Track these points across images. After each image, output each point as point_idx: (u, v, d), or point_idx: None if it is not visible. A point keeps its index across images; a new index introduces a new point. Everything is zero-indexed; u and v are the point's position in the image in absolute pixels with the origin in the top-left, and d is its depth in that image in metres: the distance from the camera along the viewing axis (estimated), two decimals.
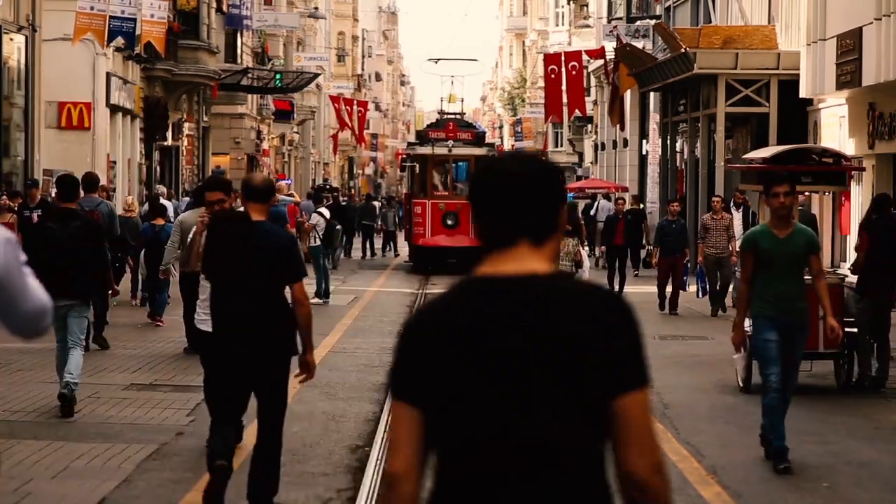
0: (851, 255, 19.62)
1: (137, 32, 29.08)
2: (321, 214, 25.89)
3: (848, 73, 23.62)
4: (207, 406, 9.95)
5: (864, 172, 24.83)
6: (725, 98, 29.60)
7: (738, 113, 30.32)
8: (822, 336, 12.87)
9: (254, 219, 8.24)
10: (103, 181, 23.22)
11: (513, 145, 78.77)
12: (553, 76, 40.73)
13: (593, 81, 51.54)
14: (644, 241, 30.84)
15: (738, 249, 15.86)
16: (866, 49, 22.62)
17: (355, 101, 62.80)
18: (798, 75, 27.28)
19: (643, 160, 43.25)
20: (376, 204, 49.57)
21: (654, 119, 40.55)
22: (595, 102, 52.37)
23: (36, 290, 3.87)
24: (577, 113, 43.60)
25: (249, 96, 51.58)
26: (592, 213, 37.80)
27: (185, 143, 43.75)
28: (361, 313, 22.51)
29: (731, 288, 21.41)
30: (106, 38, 27.77)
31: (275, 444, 8.27)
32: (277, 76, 48.42)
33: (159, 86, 38.46)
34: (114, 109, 32.75)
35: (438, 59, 62.15)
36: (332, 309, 22.70)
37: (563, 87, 40.69)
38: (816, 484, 9.63)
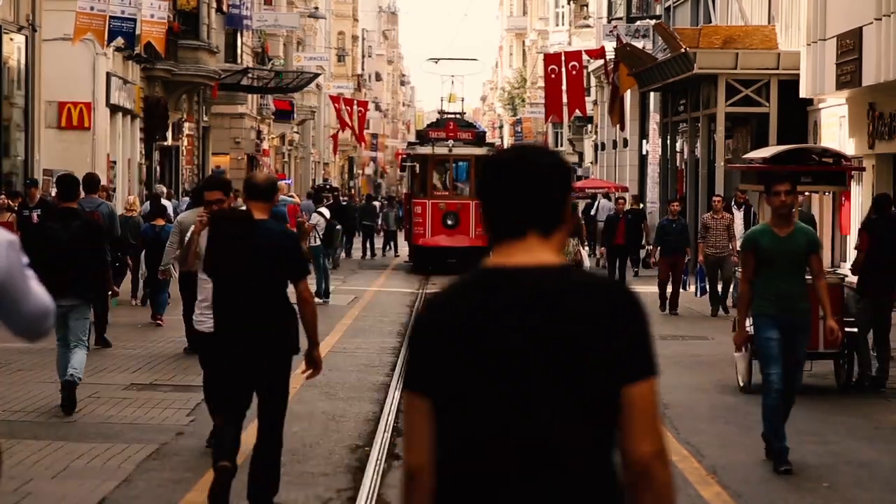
0: (851, 255, 19.62)
1: (137, 32, 29.07)
2: (321, 214, 25.90)
3: (848, 73, 23.62)
4: (207, 406, 9.96)
5: (864, 172, 24.83)
6: (725, 98, 29.60)
7: (738, 113, 30.31)
8: (822, 336, 12.87)
9: (256, 217, 8.23)
10: (103, 181, 23.21)
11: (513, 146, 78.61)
12: (553, 76, 40.73)
13: (593, 81, 51.54)
14: (644, 241, 30.84)
15: (738, 249, 15.87)
16: (866, 49, 22.62)
17: (355, 101, 62.78)
18: (798, 75, 27.28)
19: (643, 160, 43.25)
20: (376, 204, 49.57)
21: (654, 119, 40.55)
22: (595, 102, 52.35)
23: (38, 292, 3.89)
24: (577, 113, 43.57)
25: (249, 96, 51.58)
26: (593, 213, 37.80)
27: (185, 143, 43.74)
28: (361, 313, 22.51)
29: (731, 288, 21.41)
30: (106, 38, 27.76)
31: (275, 444, 8.26)
32: (279, 75, 48.45)
33: (159, 86, 38.46)
34: (114, 109, 32.75)
35: (438, 59, 62.22)
36: (332, 309, 22.69)
37: (563, 87, 40.68)
38: (816, 484, 9.63)
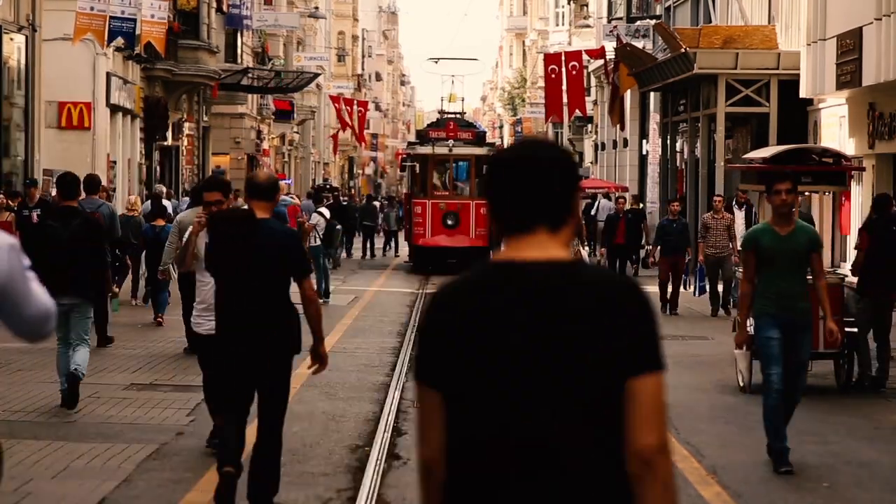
0: (851, 255, 19.62)
1: (137, 32, 29.07)
2: (321, 214, 25.90)
3: (848, 73, 23.62)
4: (208, 406, 9.97)
5: (864, 172, 24.82)
6: (725, 98, 29.58)
7: (738, 113, 30.30)
8: (822, 337, 12.87)
9: (258, 216, 8.23)
10: (103, 181, 23.20)
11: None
12: (553, 76, 40.71)
13: (593, 81, 51.52)
14: (643, 241, 30.83)
15: (739, 248, 15.86)
16: (866, 49, 22.61)
17: (355, 101, 62.78)
18: (798, 75, 27.27)
19: (643, 160, 43.25)
20: (377, 204, 49.58)
21: (654, 119, 40.54)
22: (595, 102, 52.34)
23: (40, 295, 3.91)
24: (578, 113, 43.55)
25: (249, 96, 51.58)
26: (593, 212, 37.78)
27: (185, 143, 43.74)
28: (361, 313, 22.51)
29: (732, 288, 21.40)
30: (106, 38, 27.76)
31: (275, 444, 8.26)
32: (279, 75, 48.44)
33: (159, 86, 38.46)
34: (114, 109, 32.75)
35: (438, 59, 62.20)
36: (332, 309, 22.68)
37: (564, 87, 40.66)
38: (816, 484, 9.63)
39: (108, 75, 31.77)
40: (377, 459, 9.99)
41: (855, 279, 14.65)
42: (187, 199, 28.19)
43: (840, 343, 11.92)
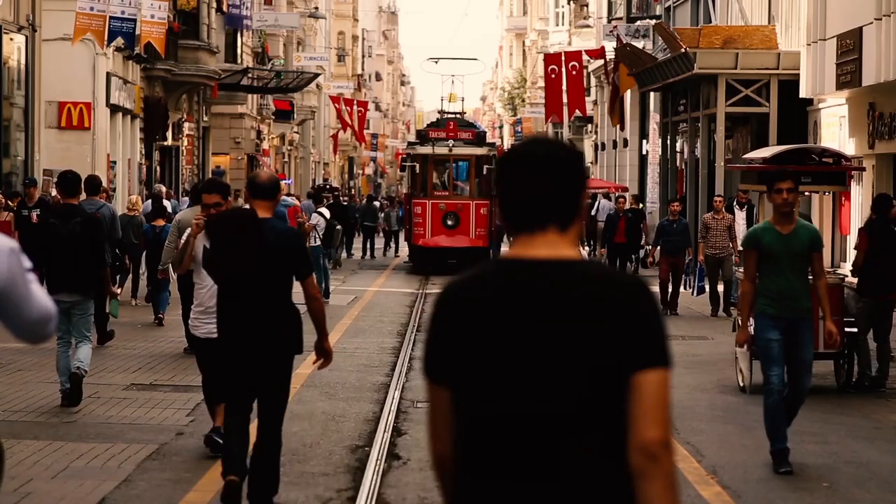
0: (851, 255, 19.61)
1: (137, 32, 29.06)
2: (321, 214, 25.89)
3: (848, 73, 23.62)
4: (207, 407, 9.97)
5: (864, 172, 24.82)
6: (725, 98, 29.58)
7: (738, 113, 30.30)
8: (822, 336, 12.86)
9: (260, 216, 8.23)
10: (103, 181, 23.20)
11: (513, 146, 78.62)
12: (553, 76, 40.71)
13: (593, 81, 51.52)
14: (643, 241, 30.83)
15: (740, 249, 15.86)
16: (866, 49, 22.61)
17: (355, 101, 62.78)
18: (798, 75, 27.28)
19: (643, 160, 43.23)
20: (377, 204, 49.57)
21: (654, 119, 40.53)
22: (595, 102, 52.34)
23: (40, 297, 3.92)
24: (577, 113, 43.55)
25: (249, 96, 51.56)
26: (593, 212, 37.77)
27: (185, 142, 43.72)
28: (361, 313, 22.51)
29: (732, 288, 21.40)
30: (106, 38, 27.75)
31: (275, 444, 8.26)
32: (279, 75, 48.42)
33: (159, 86, 38.45)
34: (114, 109, 32.74)
35: (438, 59, 62.13)
36: (332, 309, 22.65)
37: (564, 87, 40.67)
38: (816, 484, 9.63)
39: (108, 75, 31.77)
40: (377, 459, 9.99)
41: (855, 279, 14.65)
42: (187, 199, 28.20)
43: (840, 343, 11.93)
